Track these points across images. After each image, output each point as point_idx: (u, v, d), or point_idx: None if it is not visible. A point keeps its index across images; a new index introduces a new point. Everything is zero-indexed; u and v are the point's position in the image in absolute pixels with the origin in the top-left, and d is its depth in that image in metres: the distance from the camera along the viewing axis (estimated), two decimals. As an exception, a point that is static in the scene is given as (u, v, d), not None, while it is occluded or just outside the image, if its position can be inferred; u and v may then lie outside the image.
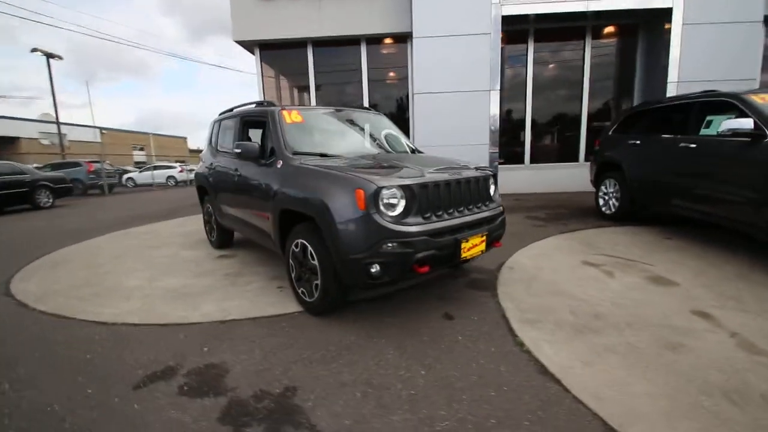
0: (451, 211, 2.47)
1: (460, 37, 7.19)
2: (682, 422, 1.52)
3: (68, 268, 3.97)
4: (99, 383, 1.91)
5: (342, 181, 2.31)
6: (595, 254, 3.77)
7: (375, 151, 3.33)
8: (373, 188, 2.20)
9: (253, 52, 8.40)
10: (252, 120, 3.52)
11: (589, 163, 6.08)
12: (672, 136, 4.24)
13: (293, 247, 2.68)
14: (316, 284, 2.50)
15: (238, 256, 4.13)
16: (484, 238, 2.57)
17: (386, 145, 3.54)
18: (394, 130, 3.79)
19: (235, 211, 3.64)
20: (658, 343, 2.11)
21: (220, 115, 4.41)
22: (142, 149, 34.65)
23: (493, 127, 7.43)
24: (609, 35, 8.07)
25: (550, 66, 8.31)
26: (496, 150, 7.50)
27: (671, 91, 7.12)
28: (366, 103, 8.31)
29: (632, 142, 4.91)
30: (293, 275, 2.76)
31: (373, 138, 3.55)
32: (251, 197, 3.22)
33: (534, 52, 8.07)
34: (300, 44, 8.24)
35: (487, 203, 2.77)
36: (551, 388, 1.77)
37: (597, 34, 8.02)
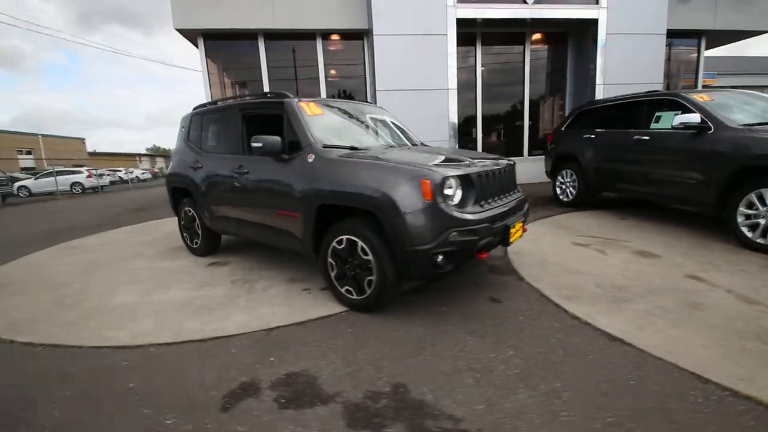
0: (496, 198, 2.59)
1: (420, 37, 7.40)
2: (743, 362, 1.81)
3: (19, 291, 3.30)
4: (174, 412, 1.66)
5: (405, 173, 2.28)
6: (578, 236, 4.19)
7: (393, 143, 3.31)
8: (439, 178, 2.21)
9: (196, 43, 7.70)
10: (257, 113, 3.27)
11: (533, 157, 6.69)
12: (625, 130, 4.87)
13: (334, 244, 2.57)
14: (370, 280, 2.43)
15: (233, 263, 3.80)
16: (522, 222, 2.73)
17: (399, 137, 3.54)
18: (399, 123, 3.80)
19: (239, 212, 3.34)
20: (681, 304, 2.45)
21: (197, 108, 4.00)
22: (29, 153, 29.49)
23: (452, 125, 7.78)
24: (544, 41, 8.93)
25: (496, 67, 8.93)
26: (456, 146, 7.87)
27: (599, 93, 8.14)
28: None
29: (587, 136, 5.53)
30: (333, 274, 2.65)
31: (386, 130, 3.53)
32: (269, 196, 2.99)
33: (482, 54, 8.62)
34: (250, 36, 7.77)
35: (516, 190, 2.94)
36: (629, 350, 1.96)
37: (534, 40, 8.82)
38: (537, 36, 8.79)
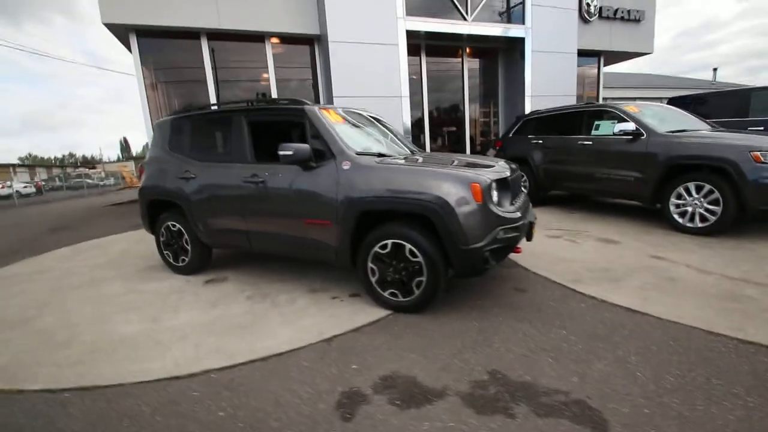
0: (518, 198, 2.89)
1: (374, 45, 7.59)
2: (731, 317, 2.32)
3: (-26, 334, 2.71)
4: (297, 430, 1.60)
5: (455, 177, 2.44)
6: (547, 230, 4.76)
7: (405, 150, 3.45)
8: (487, 181, 2.43)
9: (127, 41, 6.90)
10: (267, 119, 3.15)
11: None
12: (571, 136, 5.64)
13: (377, 249, 2.63)
14: (419, 281, 2.54)
15: (231, 278, 3.56)
16: (535, 220, 3.08)
17: (401, 142, 3.68)
18: (393, 129, 3.95)
19: (250, 224, 3.17)
20: (661, 279, 3.00)
21: (180, 113, 3.68)
22: None
23: (407, 129, 8.11)
24: (479, 55, 9.78)
25: (440, 77, 9.53)
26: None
27: (528, 103, 9.17)
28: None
29: (536, 141, 6.25)
30: (374, 279, 2.70)
31: (391, 136, 3.65)
32: (294, 205, 2.91)
33: (426, 65, 9.12)
34: (191, 35, 7.20)
35: (524, 192, 3.29)
36: (650, 319, 2.38)
37: (471, 54, 9.61)
38: (473, 50, 9.58)
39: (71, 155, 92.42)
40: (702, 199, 4.10)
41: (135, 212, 9.14)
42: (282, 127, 3.09)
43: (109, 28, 6.62)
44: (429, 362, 2.05)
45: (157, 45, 7.17)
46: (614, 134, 4.90)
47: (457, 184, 2.42)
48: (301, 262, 3.83)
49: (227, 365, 2.12)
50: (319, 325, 2.54)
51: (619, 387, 1.75)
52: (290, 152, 2.71)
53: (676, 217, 4.32)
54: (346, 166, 2.72)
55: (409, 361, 2.07)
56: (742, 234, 4.05)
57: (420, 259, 2.50)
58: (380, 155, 2.90)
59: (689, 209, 4.20)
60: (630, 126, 4.71)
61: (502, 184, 2.63)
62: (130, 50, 7.01)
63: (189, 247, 3.60)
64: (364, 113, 3.68)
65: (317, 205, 2.80)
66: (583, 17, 9.88)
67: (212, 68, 7.40)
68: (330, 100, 7.66)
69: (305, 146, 2.74)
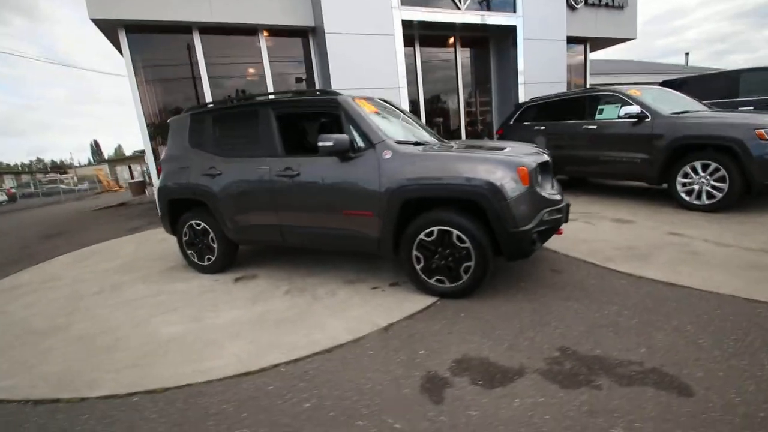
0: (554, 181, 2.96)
1: (370, 36, 7.52)
2: (761, 285, 2.45)
3: (9, 345, 2.59)
4: (390, 415, 1.62)
5: (502, 162, 2.47)
6: (559, 213, 4.87)
7: (433, 138, 3.46)
8: (533, 165, 2.47)
9: (116, 37, 6.62)
10: (296, 111, 3.10)
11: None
12: (575, 121, 5.76)
13: (422, 237, 2.65)
14: (467, 266, 2.58)
15: (261, 275, 3.51)
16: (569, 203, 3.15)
17: (431, 133, 3.69)
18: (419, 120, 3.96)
19: (284, 218, 3.13)
20: (686, 253, 3.13)
21: (198, 108, 3.58)
22: None
23: (406, 121, 8.11)
24: (471, 44, 9.82)
25: (433, 67, 9.53)
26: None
27: (521, 91, 9.29)
28: (272, 100, 7.73)
29: (537, 128, 6.36)
30: (419, 267, 2.72)
31: (420, 126, 3.65)
32: (332, 197, 2.89)
33: (420, 55, 9.11)
34: (183, 29, 6.97)
35: None
36: (691, 291, 2.48)
37: (464, 43, 9.64)
38: (465, 40, 9.62)
39: (39, 160, 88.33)
40: (708, 177, 4.27)
41: (127, 216, 8.90)
42: (312, 118, 3.04)
43: (97, 24, 6.33)
44: (495, 343, 2.09)
45: (149, 41, 6.91)
46: (619, 117, 5.04)
47: (505, 168, 2.45)
48: (328, 255, 3.82)
49: (293, 359, 2.11)
50: (369, 315, 2.55)
51: (686, 354, 1.83)
52: (330, 143, 2.69)
53: (683, 195, 4.49)
54: (387, 155, 2.71)
55: (475, 344, 2.11)
56: (747, 209, 4.25)
57: (468, 244, 2.53)
58: (416, 144, 2.90)
59: (696, 187, 4.37)
60: (635, 109, 4.84)
61: (544, 167, 2.68)
62: (118, 48, 6.73)
63: (215, 246, 3.53)
64: (389, 103, 3.67)
65: (358, 195, 2.79)
66: (570, 5, 10.03)
67: (206, 64, 7.18)
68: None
69: (345, 137, 2.71)
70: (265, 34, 7.59)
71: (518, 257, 2.60)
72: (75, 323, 2.83)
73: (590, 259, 3.20)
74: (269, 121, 3.16)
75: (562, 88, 10.02)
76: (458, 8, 8.41)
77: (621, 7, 11.07)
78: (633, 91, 5.17)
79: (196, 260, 3.69)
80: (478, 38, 9.73)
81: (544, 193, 2.52)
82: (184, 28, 6.95)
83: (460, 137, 9.87)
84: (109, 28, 6.54)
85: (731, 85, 6.35)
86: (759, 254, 2.97)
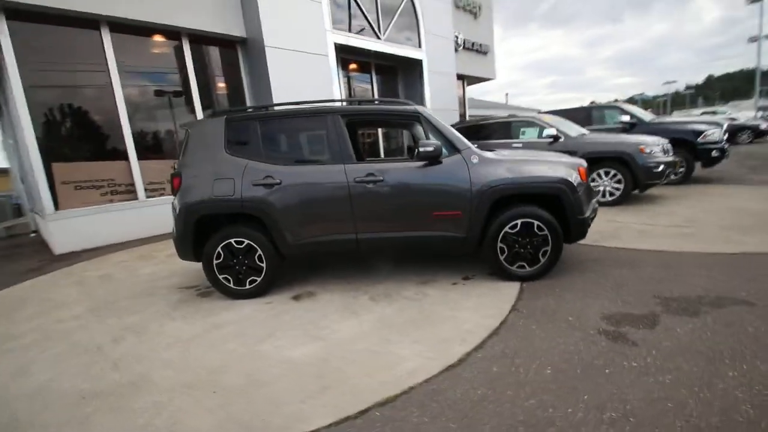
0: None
1: (308, 54, 7.55)
2: (749, 235, 3.69)
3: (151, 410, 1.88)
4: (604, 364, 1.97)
5: (569, 163, 3.11)
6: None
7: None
8: (586, 164, 3.19)
9: (-12, 21, 5.00)
10: (368, 120, 3.12)
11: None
12: (503, 140, 7.02)
13: (507, 230, 3.06)
14: (545, 251, 3.10)
15: (317, 292, 3.28)
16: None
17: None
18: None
19: (361, 225, 3.08)
20: (637, 233, 4.34)
21: (234, 112, 3.21)
22: None
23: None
24: (383, 72, 10.69)
25: (353, 90, 10.00)
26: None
27: (428, 115, 10.55)
28: (199, 111, 6.94)
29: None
30: (503, 257, 3.12)
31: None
32: (423, 200, 3.04)
33: (341, 78, 9.48)
34: (88, 23, 5.73)
35: None
36: (716, 254, 3.51)
37: (377, 70, 10.44)
38: (380, 67, 10.43)
39: None
40: (609, 180, 5.89)
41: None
42: (381, 126, 3.07)
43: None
44: (610, 302, 2.64)
45: (41, 34, 5.42)
46: (540, 138, 6.44)
47: (571, 168, 3.09)
48: (360, 261, 3.80)
49: (474, 346, 2.23)
50: (487, 306, 2.77)
51: (721, 283, 2.73)
52: (431, 148, 2.89)
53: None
54: (475, 159, 3.05)
55: (597, 306, 2.61)
56: (636, 201, 5.99)
57: (545, 232, 3.05)
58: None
59: (601, 188, 5.95)
60: (553, 131, 6.29)
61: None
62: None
63: (264, 265, 3.15)
64: None
65: (449, 196, 3.02)
66: (455, 47, 11.98)
67: (117, 69, 6.00)
68: (267, 108, 7.21)
69: (438, 143, 2.94)
70: (195, 41, 6.82)
71: (579, 239, 3.23)
72: (167, 377, 2.20)
73: (592, 242, 4.08)
74: (339, 128, 3.11)
75: (456, 115, 11.79)
76: (379, 38, 9.16)
77: (485, 53, 13.71)
78: (546, 118, 6.69)
79: (231, 285, 3.20)
80: (389, 67, 10.68)
81: (592, 187, 3.25)
82: (89, 22, 5.71)
83: (378, 153, 10.50)
84: (-21, 8, 4.92)
85: (586, 116, 8.75)
86: (677, 228, 4.34)
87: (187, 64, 6.78)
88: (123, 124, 6.08)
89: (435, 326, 2.52)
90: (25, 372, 2.38)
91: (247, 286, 3.21)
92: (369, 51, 9.20)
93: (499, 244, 3.09)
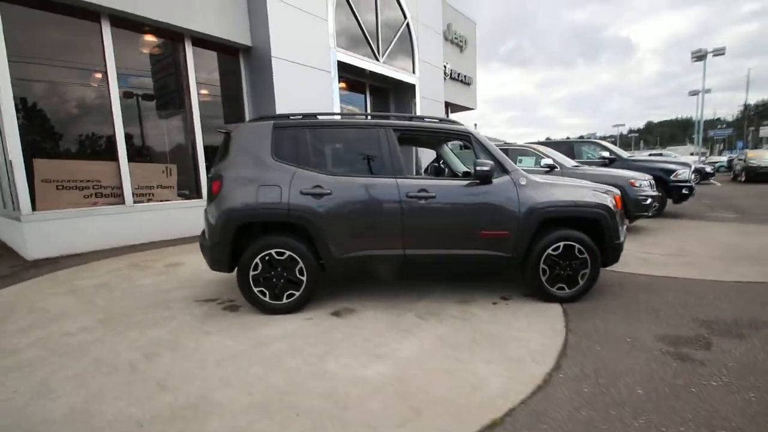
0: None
1: (312, 69, 7.54)
2: (736, 267, 3.99)
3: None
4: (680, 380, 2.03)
5: (608, 191, 3.26)
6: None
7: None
8: (619, 192, 3.36)
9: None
10: (418, 137, 3.12)
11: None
12: (501, 166, 7.30)
13: (549, 251, 3.14)
14: (583, 273, 3.19)
15: (356, 309, 3.14)
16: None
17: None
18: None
19: (410, 240, 3.02)
20: (640, 260, 4.61)
21: (282, 118, 3.11)
22: None
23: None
24: (377, 93, 10.85)
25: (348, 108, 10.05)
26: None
27: (418, 138, 10.80)
28: (197, 121, 6.65)
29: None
30: (545, 278, 3.18)
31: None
32: (471, 218, 3.05)
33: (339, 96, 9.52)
34: (88, 14, 5.38)
35: None
36: (678, 279, 3.78)
37: (372, 91, 10.59)
38: (374, 88, 10.59)
39: None
40: (602, 210, 6.26)
41: None
42: (425, 145, 3.07)
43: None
44: (656, 326, 2.74)
45: (37, 20, 5.01)
46: (539, 166, 6.76)
47: (609, 195, 3.25)
48: (394, 277, 3.72)
49: (550, 373, 2.22)
50: (540, 326, 2.77)
51: (735, 304, 2.93)
52: (487, 168, 2.94)
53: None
54: (523, 181, 3.13)
55: (644, 328, 2.70)
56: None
57: (585, 255, 3.16)
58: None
59: (595, 217, 6.29)
60: (550, 161, 6.63)
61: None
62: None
63: (304, 278, 2.99)
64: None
65: (497, 216, 3.06)
66: (443, 76, 12.46)
67: (115, 65, 5.64)
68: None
69: (492, 163, 3.00)
70: (198, 44, 6.60)
71: (613, 263, 3.37)
72: (232, 398, 1.97)
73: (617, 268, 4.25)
74: (392, 142, 3.08)
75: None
76: (377, 60, 9.34)
77: (469, 84, 14.37)
78: (540, 149, 7.06)
79: (267, 299, 2.99)
80: (382, 89, 10.87)
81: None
82: (89, 13, 5.38)
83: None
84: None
85: (570, 149, 9.32)
86: (675, 257, 4.66)
87: (188, 66, 6.52)
88: (116, 122, 5.67)
89: (499, 346, 2.49)
90: (46, 393, 2.06)
91: (284, 301, 3.02)
92: (367, 71, 9.35)
93: (542, 266, 3.15)
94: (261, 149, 3.01)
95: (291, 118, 3.16)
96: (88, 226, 5.35)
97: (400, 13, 10.04)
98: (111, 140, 5.68)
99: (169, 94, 6.57)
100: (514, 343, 2.52)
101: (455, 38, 13.21)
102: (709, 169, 16.58)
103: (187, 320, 2.95)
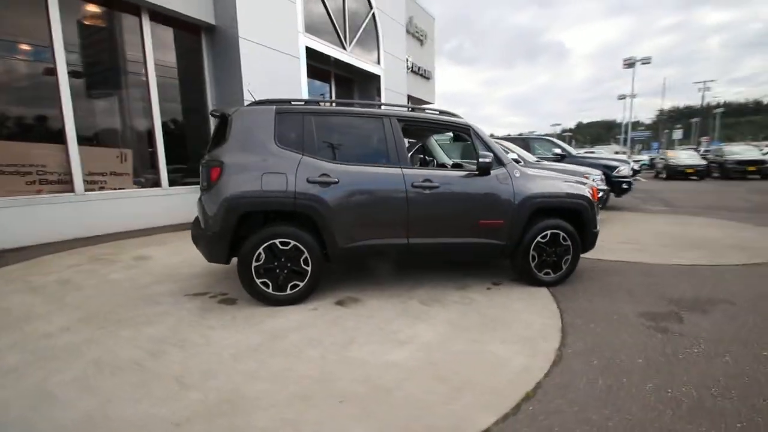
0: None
1: (281, 54, 7.25)
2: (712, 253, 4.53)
3: None
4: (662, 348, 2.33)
5: (587, 184, 3.55)
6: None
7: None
8: (596, 185, 3.68)
9: None
10: (420, 128, 3.17)
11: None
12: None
13: (539, 239, 3.38)
14: (566, 259, 3.48)
15: (360, 298, 3.16)
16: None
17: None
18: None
19: (414, 229, 3.08)
20: (635, 249, 5.09)
21: (285, 104, 2.99)
22: None
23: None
24: (341, 82, 10.68)
25: (313, 96, 9.79)
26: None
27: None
28: (156, 103, 6.13)
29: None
30: (534, 264, 3.42)
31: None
32: (471, 208, 3.18)
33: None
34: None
35: None
36: (670, 265, 4.26)
37: (336, 80, 10.40)
38: (339, 78, 10.41)
39: None
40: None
41: None
42: (417, 135, 3.12)
43: None
44: (632, 304, 3.07)
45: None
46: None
47: (588, 188, 3.55)
48: (382, 268, 3.78)
49: (560, 350, 2.41)
50: (537, 307, 2.99)
51: (711, 286, 3.39)
52: (488, 160, 3.08)
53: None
54: (517, 173, 3.32)
55: (626, 306, 3.01)
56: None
57: (569, 242, 3.44)
58: (516, 161, 3.61)
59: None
60: (515, 155, 7.04)
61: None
62: None
63: (309, 269, 2.94)
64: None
65: (495, 206, 3.23)
66: (405, 69, 12.58)
67: (63, 38, 5.01)
68: (229, 101, 6.68)
69: (492, 155, 3.14)
70: (155, 18, 6.06)
71: (590, 249, 3.69)
72: (268, 391, 1.90)
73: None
74: (397, 132, 3.10)
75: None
76: (344, 49, 9.21)
77: (428, 78, 14.64)
78: (506, 143, 7.47)
79: (270, 290, 2.90)
80: (347, 79, 10.73)
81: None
82: (30, -26, 4.73)
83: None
84: None
85: (524, 145, 9.93)
86: (628, 245, 5.19)
87: (146, 43, 5.98)
88: (63, 101, 5.06)
89: (507, 327, 2.65)
90: (47, 400, 1.86)
91: (288, 292, 2.94)
92: (332, 59, 9.18)
93: (532, 252, 3.37)
94: (264, 135, 2.89)
95: (293, 104, 3.07)
96: (31, 217, 4.75)
97: (367, 2, 9.95)
98: (58, 119, 5.07)
99: (124, 72, 5.98)
100: (518, 324, 2.70)
101: (416, 32, 13.36)
102: (636, 166, 18.46)
103: (184, 315, 2.78)
